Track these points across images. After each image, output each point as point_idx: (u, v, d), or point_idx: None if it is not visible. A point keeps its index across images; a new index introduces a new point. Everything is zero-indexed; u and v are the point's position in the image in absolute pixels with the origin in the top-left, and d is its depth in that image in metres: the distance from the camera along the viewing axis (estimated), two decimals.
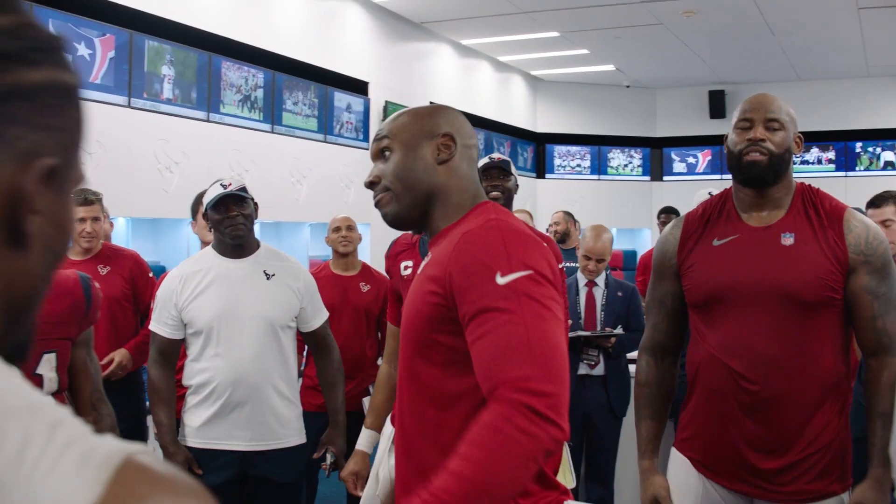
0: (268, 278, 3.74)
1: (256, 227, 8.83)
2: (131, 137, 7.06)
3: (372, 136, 10.43)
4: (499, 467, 1.60)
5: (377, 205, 2.06)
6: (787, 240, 2.65)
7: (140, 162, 7.18)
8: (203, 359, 3.66)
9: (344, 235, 5.28)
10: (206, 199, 3.69)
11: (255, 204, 3.78)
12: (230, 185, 3.67)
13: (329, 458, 3.97)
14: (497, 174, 4.69)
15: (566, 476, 3.05)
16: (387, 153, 2.05)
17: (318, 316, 3.93)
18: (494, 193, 4.67)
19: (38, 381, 3.10)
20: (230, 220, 3.65)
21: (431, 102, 11.85)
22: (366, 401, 4.99)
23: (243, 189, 3.70)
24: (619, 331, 5.13)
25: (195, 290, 3.66)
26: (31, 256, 0.78)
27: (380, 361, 5.43)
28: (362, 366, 5.14)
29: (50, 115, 0.78)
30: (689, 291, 2.79)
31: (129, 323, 4.85)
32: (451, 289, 1.81)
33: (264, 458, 3.68)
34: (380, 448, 3.22)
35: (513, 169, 4.67)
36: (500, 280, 1.74)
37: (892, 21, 11.23)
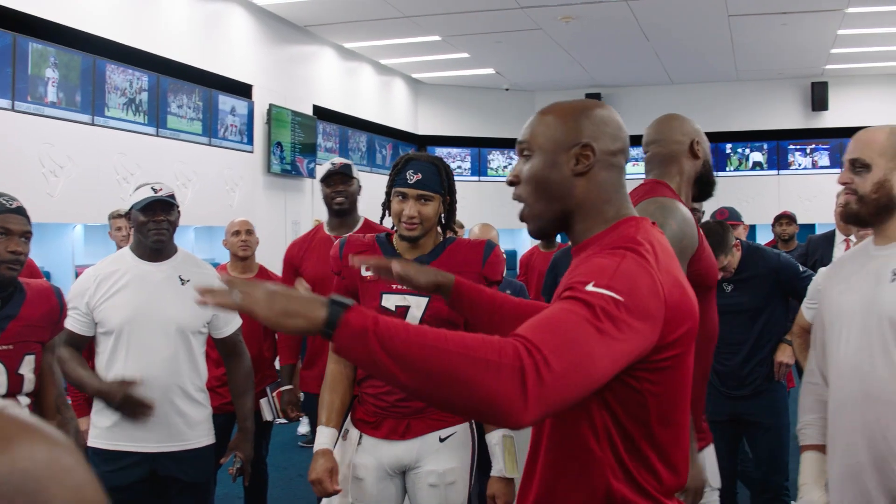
0: (182, 284, 3.76)
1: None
2: (15, 141, 6.98)
3: (256, 139, 10.49)
4: (456, 373, 1.54)
5: (520, 218, 2.00)
6: None
7: (24, 166, 7.10)
8: (114, 360, 3.65)
9: (244, 239, 5.33)
10: (135, 200, 3.69)
11: (179, 212, 3.82)
12: (161, 189, 3.69)
13: (236, 464, 4.00)
14: (339, 180, 4.80)
15: (514, 466, 3.11)
16: (526, 153, 1.99)
17: (231, 323, 3.97)
18: (339, 199, 4.79)
19: (20, 380, 3.16)
20: (155, 225, 3.68)
21: (316, 106, 11.97)
22: (263, 402, 5.08)
23: (172, 196, 3.73)
24: None
25: (109, 291, 3.67)
26: None
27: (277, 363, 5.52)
28: (259, 367, 5.19)
29: None
30: None
31: None
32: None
33: (173, 458, 3.70)
34: (345, 454, 3.24)
35: (355, 172, 4.83)
36: (589, 287, 1.69)
37: (759, 27, 11.71)
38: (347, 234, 3.42)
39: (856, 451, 2.48)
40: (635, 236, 1.85)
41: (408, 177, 3.09)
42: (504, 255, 3.26)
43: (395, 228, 3.18)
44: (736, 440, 4.81)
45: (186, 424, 3.73)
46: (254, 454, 5.11)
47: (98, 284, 3.69)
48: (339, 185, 4.79)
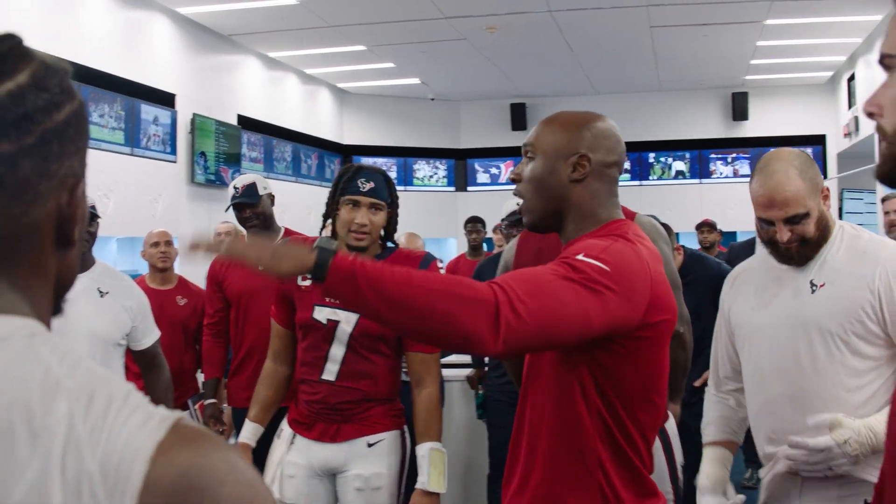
0: (101, 296, 3.73)
1: None
2: None
3: (179, 148, 10.36)
4: (435, 307, 1.73)
5: (519, 211, 2.20)
6: None
7: None
8: None
9: (163, 251, 5.26)
10: None
11: (98, 224, 3.77)
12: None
13: None
14: (245, 204, 4.69)
15: (440, 481, 3.15)
16: (530, 154, 2.17)
17: (150, 335, 3.96)
18: (251, 224, 4.65)
19: None
20: None
21: (240, 116, 11.87)
22: (185, 414, 5.03)
23: (93, 207, 3.69)
24: None
25: None
26: (72, 253, 1.04)
27: (199, 375, 5.46)
28: (181, 379, 5.14)
29: (75, 140, 0.97)
30: None
31: None
32: None
33: None
34: (277, 451, 3.28)
35: (260, 189, 4.69)
36: (579, 257, 1.90)
37: (680, 38, 11.87)
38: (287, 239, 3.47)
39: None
40: (626, 231, 2.06)
41: (360, 185, 3.13)
42: (442, 271, 3.30)
43: (339, 237, 3.19)
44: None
45: None
46: None
47: None
48: (246, 209, 4.72)
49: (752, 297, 2.76)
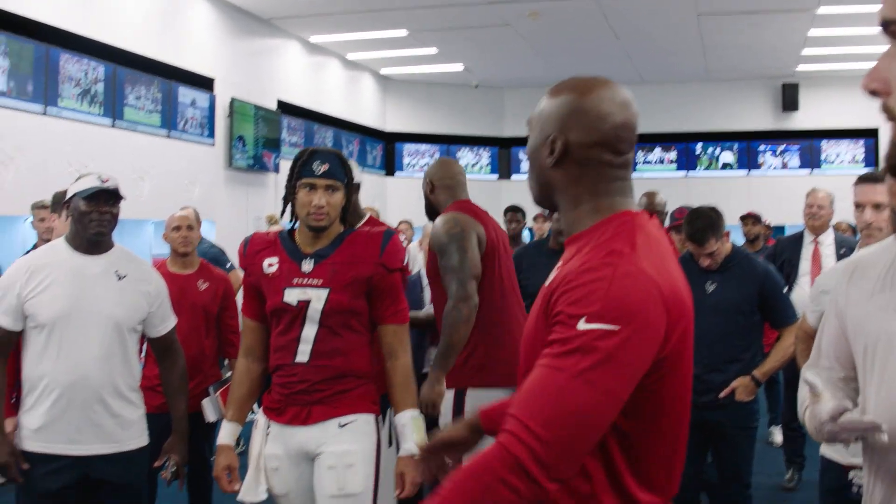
0: (119, 279, 3.63)
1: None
2: None
3: (218, 132, 10.29)
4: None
5: None
6: None
7: None
8: (45, 357, 3.51)
9: (184, 235, 5.14)
10: (79, 189, 3.55)
11: (119, 206, 3.69)
12: (107, 180, 3.56)
13: (171, 468, 3.91)
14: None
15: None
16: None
17: (167, 322, 3.86)
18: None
19: None
20: (98, 216, 3.54)
21: (280, 101, 11.78)
22: (206, 402, 4.91)
23: (118, 189, 3.59)
24: None
25: (42, 283, 3.52)
26: None
27: (225, 362, 5.35)
28: (202, 366, 5.04)
29: None
30: None
31: None
32: (553, 308, 1.72)
33: (106, 461, 3.57)
34: (256, 441, 3.27)
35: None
36: (581, 326, 1.64)
37: (729, 27, 11.64)
38: (251, 234, 3.44)
39: None
40: (630, 235, 1.76)
41: (315, 168, 3.18)
42: (403, 245, 3.34)
43: (300, 220, 3.24)
44: (701, 447, 4.63)
45: (119, 426, 3.61)
46: (196, 457, 4.97)
47: (30, 276, 3.52)
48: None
49: (875, 293, 2.13)
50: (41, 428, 3.50)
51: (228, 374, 5.20)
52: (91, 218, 3.53)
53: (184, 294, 4.88)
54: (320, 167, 3.16)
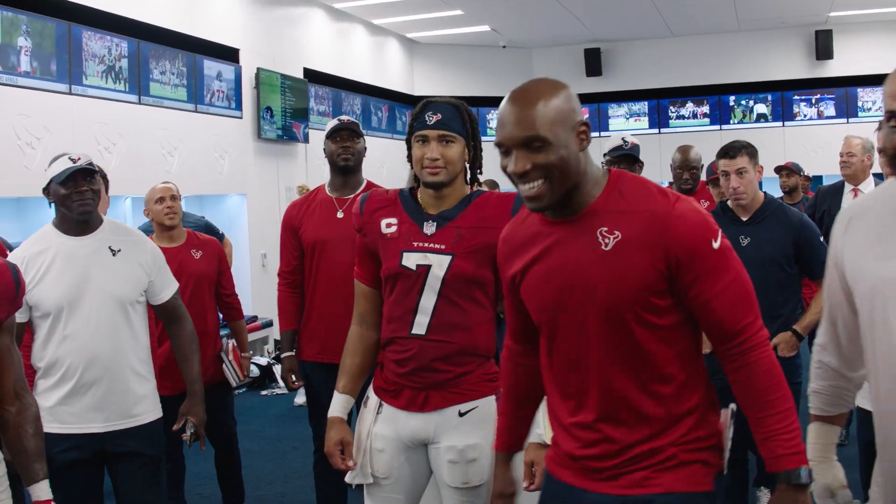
0: (114, 255, 3.64)
1: (128, 203, 8.54)
2: None
3: (245, 104, 10.23)
4: (787, 386, 2.19)
5: (531, 196, 2.17)
6: None
7: None
8: (52, 341, 3.55)
9: (169, 206, 5.05)
10: (52, 173, 3.55)
11: (100, 179, 3.67)
12: (79, 159, 3.55)
13: (189, 429, 3.96)
14: (347, 136, 4.65)
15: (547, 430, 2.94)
16: (536, 144, 2.12)
17: (168, 287, 3.86)
18: (345, 155, 4.63)
19: None
20: (79, 195, 3.52)
21: (306, 69, 11.70)
22: (225, 369, 4.96)
23: (91, 163, 3.59)
24: None
25: (39, 272, 3.54)
26: None
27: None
28: (210, 337, 5.04)
29: None
30: None
31: None
32: (678, 261, 2.12)
33: (122, 435, 3.63)
34: (365, 422, 3.09)
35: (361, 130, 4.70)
36: (716, 245, 2.16)
37: None
38: (369, 191, 3.20)
39: None
40: (643, 179, 2.29)
41: (427, 118, 2.96)
42: None
43: (418, 179, 3.02)
44: None
45: (133, 400, 3.66)
46: (221, 426, 4.97)
47: (26, 268, 3.52)
48: (347, 140, 4.63)
49: (875, 242, 2.15)
50: (55, 406, 3.54)
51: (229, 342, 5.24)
52: (72, 199, 3.53)
53: (182, 266, 4.86)
54: (432, 117, 2.94)
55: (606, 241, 2.14)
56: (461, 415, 3.00)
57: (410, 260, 2.95)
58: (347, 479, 3.09)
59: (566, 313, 2.23)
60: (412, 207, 3.01)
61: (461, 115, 3.01)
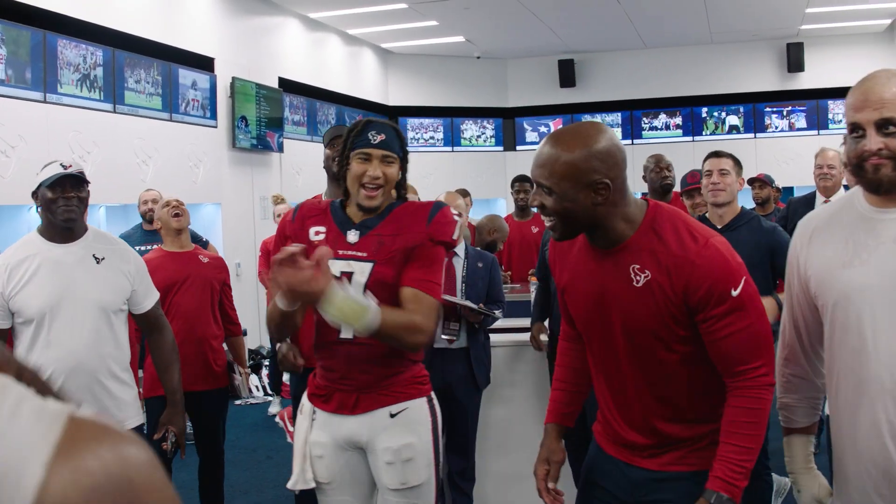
0: (98, 262, 3.67)
1: (102, 211, 8.52)
2: None
3: (220, 113, 10.23)
4: (762, 431, 2.34)
5: (548, 227, 2.47)
6: None
7: None
8: (35, 348, 3.56)
9: (175, 206, 5.08)
10: (42, 178, 3.57)
11: (89, 191, 3.69)
12: (70, 166, 3.57)
13: (170, 439, 3.99)
14: (340, 142, 4.53)
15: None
16: (545, 190, 2.35)
17: (149, 297, 3.90)
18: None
19: None
20: (65, 201, 3.55)
21: (281, 78, 11.70)
22: (235, 379, 4.95)
23: (82, 172, 3.62)
24: (498, 313, 5.09)
25: (23, 279, 3.56)
26: None
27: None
28: (214, 342, 5.02)
29: None
30: None
31: None
32: (697, 301, 2.34)
33: None
34: (301, 429, 3.16)
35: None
36: (735, 293, 2.34)
37: None
38: (303, 201, 3.31)
39: (887, 454, 2.15)
40: (680, 214, 2.47)
41: (371, 137, 3.03)
42: (455, 219, 3.10)
43: (351, 195, 3.08)
44: None
45: (116, 407, 3.69)
46: (210, 440, 4.97)
47: (10, 274, 3.57)
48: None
49: (838, 250, 2.26)
50: None
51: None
52: (58, 205, 3.55)
53: (193, 271, 4.87)
54: (377, 137, 3.01)
55: (638, 278, 2.38)
56: (392, 416, 3.07)
57: (336, 267, 3.01)
58: (289, 485, 3.15)
59: (599, 331, 2.52)
60: (340, 217, 3.10)
61: (399, 138, 3.11)
